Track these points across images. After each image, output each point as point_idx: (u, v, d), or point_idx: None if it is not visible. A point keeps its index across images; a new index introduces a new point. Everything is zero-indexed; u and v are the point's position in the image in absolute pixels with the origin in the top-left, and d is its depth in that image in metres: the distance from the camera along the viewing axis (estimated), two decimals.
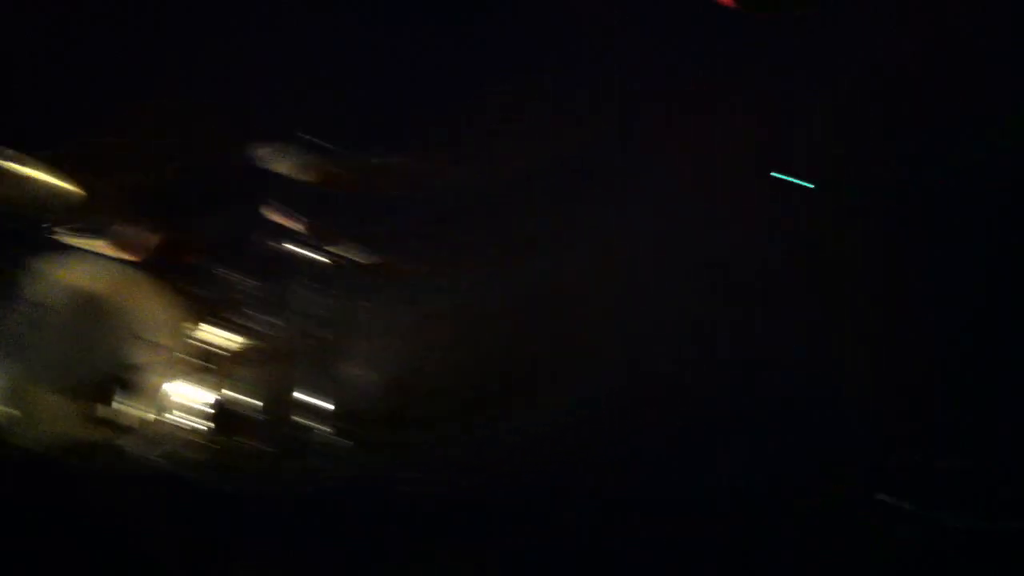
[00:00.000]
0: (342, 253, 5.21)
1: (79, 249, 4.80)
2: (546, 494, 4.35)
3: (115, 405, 4.60)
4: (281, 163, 5.07)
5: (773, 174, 4.45)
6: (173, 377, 4.72)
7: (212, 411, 4.79)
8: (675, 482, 4.31)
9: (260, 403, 5.01)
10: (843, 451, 4.20)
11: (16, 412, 4.49)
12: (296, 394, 5.08)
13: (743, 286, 4.55)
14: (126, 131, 5.01)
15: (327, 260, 5.20)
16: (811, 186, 4.38)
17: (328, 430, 4.98)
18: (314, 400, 5.04)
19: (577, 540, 4.14)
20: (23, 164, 4.55)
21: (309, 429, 4.98)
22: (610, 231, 4.91)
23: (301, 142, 5.03)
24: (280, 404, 5.06)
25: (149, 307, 4.76)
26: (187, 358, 4.74)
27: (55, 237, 4.77)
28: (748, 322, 4.53)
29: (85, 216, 4.82)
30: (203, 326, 4.93)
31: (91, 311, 4.70)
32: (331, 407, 5.05)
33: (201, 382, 4.83)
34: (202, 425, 4.80)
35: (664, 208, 4.67)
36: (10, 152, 4.50)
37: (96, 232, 4.87)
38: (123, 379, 4.62)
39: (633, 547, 4.03)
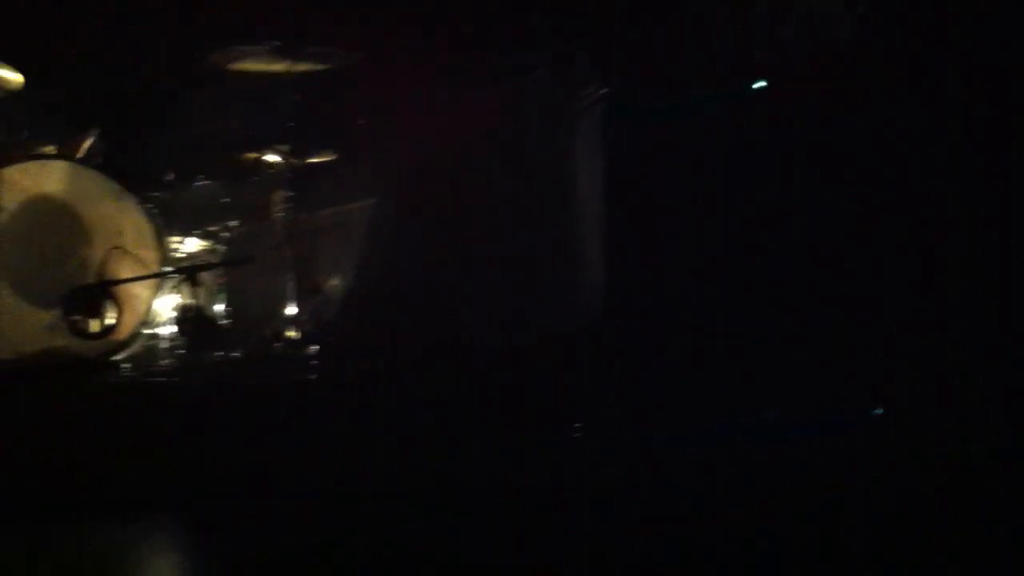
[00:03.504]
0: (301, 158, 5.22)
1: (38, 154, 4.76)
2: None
3: (83, 314, 4.58)
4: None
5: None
6: (142, 285, 4.70)
7: (180, 317, 4.79)
8: None
9: (227, 309, 5.02)
10: None
11: None
12: (263, 300, 5.10)
13: None
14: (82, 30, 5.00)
15: (288, 164, 5.20)
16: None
17: (295, 335, 4.99)
18: (280, 306, 5.05)
19: None
20: None
21: (276, 334, 5.00)
22: None
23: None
24: (247, 310, 5.07)
25: (115, 214, 4.73)
26: (154, 266, 4.72)
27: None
28: None
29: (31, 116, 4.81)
30: (170, 233, 4.93)
31: (57, 218, 4.68)
32: (297, 312, 5.06)
33: (169, 289, 4.82)
34: (170, 331, 4.80)
35: None
36: None
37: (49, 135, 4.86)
38: (91, 288, 4.60)
39: None
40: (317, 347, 4.87)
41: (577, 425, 4.07)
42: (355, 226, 5.62)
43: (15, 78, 4.61)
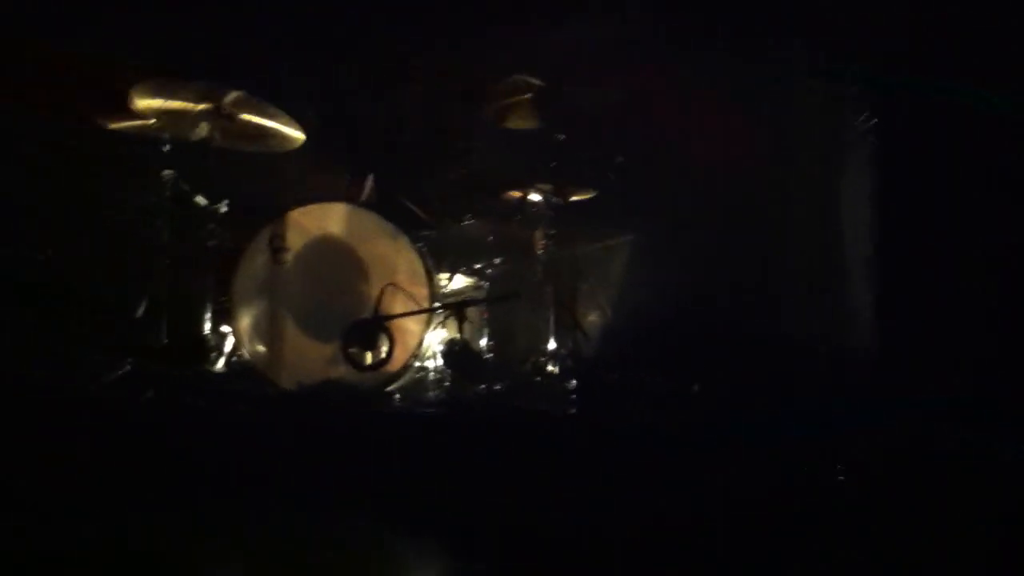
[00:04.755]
0: (561, 196, 5.40)
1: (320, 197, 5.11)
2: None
3: (360, 347, 4.87)
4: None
5: None
6: (413, 320, 4.95)
7: (447, 351, 5.02)
8: None
9: (490, 343, 5.24)
10: None
11: (268, 351, 4.85)
12: (525, 335, 5.30)
13: None
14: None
15: (549, 203, 5.38)
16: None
17: (555, 370, 5.16)
18: (541, 341, 5.24)
19: None
20: (260, 113, 4.90)
21: (537, 368, 5.18)
22: None
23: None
24: (509, 345, 5.27)
25: (390, 253, 5.01)
26: (425, 302, 4.96)
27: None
28: None
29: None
30: (439, 271, 5.18)
31: (337, 257, 5.00)
32: (557, 347, 5.23)
33: (438, 324, 5.06)
34: (438, 364, 5.04)
35: None
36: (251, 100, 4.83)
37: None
38: (368, 322, 4.88)
39: None
40: (575, 382, 5.04)
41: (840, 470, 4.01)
42: (614, 262, 5.76)
43: (298, 135, 4.98)
